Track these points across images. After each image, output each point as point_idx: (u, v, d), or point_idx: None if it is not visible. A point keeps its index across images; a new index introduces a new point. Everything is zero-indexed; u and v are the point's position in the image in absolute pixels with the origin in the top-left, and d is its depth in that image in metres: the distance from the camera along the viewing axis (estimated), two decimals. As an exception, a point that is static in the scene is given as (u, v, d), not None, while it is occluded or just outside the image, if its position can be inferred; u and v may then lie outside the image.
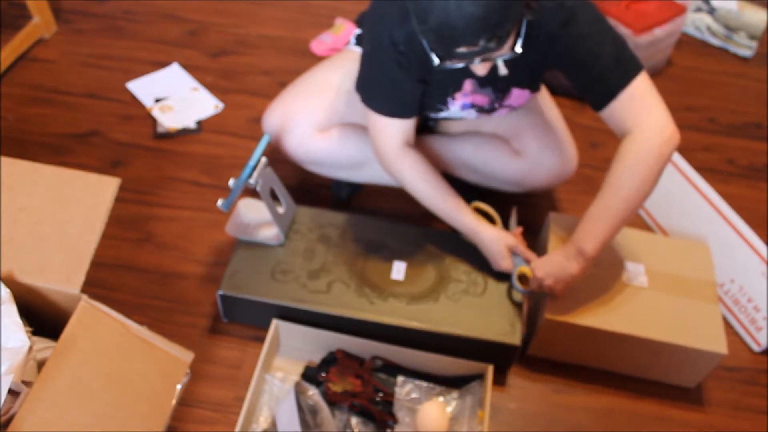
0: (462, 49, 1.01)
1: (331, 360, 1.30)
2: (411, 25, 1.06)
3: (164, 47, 2.02)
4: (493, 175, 1.47)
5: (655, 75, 2.04)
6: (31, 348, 1.00)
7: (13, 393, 0.97)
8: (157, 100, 1.86)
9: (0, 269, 1.08)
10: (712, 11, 2.15)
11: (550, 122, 1.43)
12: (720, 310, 1.32)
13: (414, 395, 1.28)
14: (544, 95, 1.47)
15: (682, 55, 2.14)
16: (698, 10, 2.18)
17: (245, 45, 2.06)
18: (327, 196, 1.65)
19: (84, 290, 1.08)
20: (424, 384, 1.29)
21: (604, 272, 1.35)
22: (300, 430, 1.16)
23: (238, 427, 1.16)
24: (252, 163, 1.29)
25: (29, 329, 1.05)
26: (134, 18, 2.11)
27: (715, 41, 2.19)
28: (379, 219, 1.47)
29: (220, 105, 1.87)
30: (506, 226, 1.41)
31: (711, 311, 1.31)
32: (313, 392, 1.24)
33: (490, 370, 1.25)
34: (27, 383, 0.99)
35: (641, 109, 1.15)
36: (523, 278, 1.31)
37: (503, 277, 1.35)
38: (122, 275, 1.47)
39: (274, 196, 1.36)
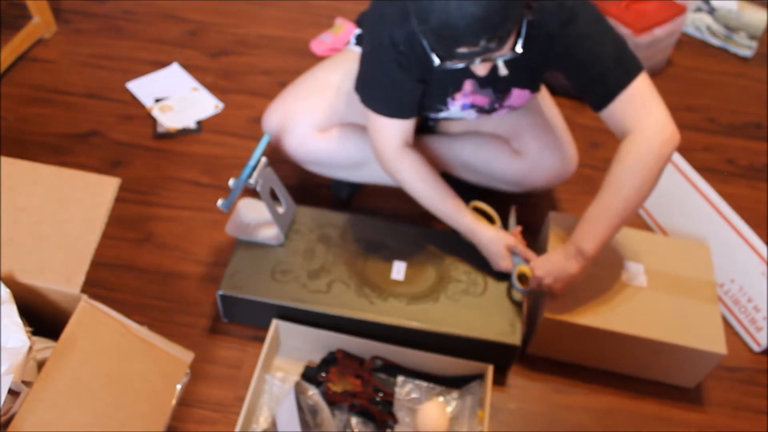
0: (462, 50, 1.01)
1: (331, 360, 1.30)
2: (411, 25, 1.06)
3: (164, 47, 2.02)
4: (492, 175, 1.47)
5: (655, 75, 2.04)
6: (31, 348, 1.00)
7: (13, 393, 0.97)
8: (157, 100, 1.86)
9: (0, 269, 1.08)
10: (712, 11, 2.16)
11: (550, 122, 1.43)
12: (720, 310, 1.32)
13: (414, 395, 1.28)
14: (544, 95, 1.47)
15: (682, 55, 2.15)
16: (698, 10, 2.18)
17: (245, 45, 2.06)
18: (327, 196, 1.65)
19: (84, 290, 1.08)
20: (424, 384, 1.29)
21: (603, 272, 1.35)
22: (300, 430, 1.16)
23: (238, 427, 1.16)
24: (252, 163, 1.29)
25: (29, 329, 1.05)
26: (134, 18, 2.11)
27: (715, 41, 2.19)
28: (379, 219, 1.47)
29: (220, 105, 1.87)
30: (505, 225, 1.41)
31: (711, 311, 1.31)
32: (313, 392, 1.24)
33: (490, 370, 1.25)
34: (27, 383, 0.99)
35: (641, 110, 1.15)
36: (522, 278, 1.31)
37: (503, 276, 1.35)
38: (122, 275, 1.47)
39: (274, 196, 1.36)
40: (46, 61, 1.95)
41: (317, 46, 2.06)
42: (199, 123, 1.81)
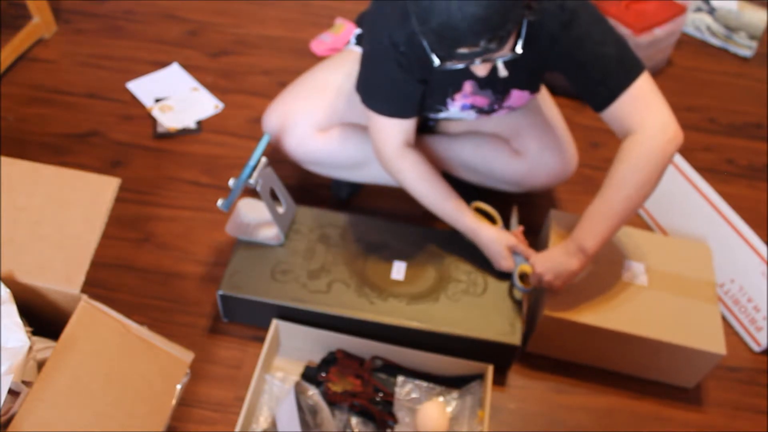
0: (463, 50, 1.01)
1: (331, 360, 1.30)
2: (411, 25, 1.06)
3: (164, 47, 2.02)
4: (492, 175, 1.47)
5: (655, 75, 2.04)
6: (31, 348, 1.00)
7: (13, 393, 0.97)
8: (157, 100, 1.86)
9: (0, 269, 1.08)
10: (712, 11, 2.16)
11: (550, 122, 1.43)
12: (719, 310, 1.32)
13: (414, 395, 1.28)
14: (544, 95, 1.47)
15: (682, 55, 2.15)
16: (698, 10, 2.18)
17: (245, 45, 2.06)
18: (327, 196, 1.65)
19: (84, 290, 1.08)
20: (424, 384, 1.29)
21: (604, 270, 1.35)
22: (300, 430, 1.16)
23: (238, 427, 1.16)
24: (252, 163, 1.29)
25: (29, 329, 1.05)
26: (134, 18, 2.11)
27: (715, 41, 2.19)
28: (379, 219, 1.47)
29: (220, 105, 1.87)
30: (507, 226, 1.41)
31: (710, 311, 1.31)
32: (313, 392, 1.24)
33: (490, 370, 1.25)
34: (27, 383, 0.99)
35: (644, 109, 1.15)
36: (524, 277, 1.31)
37: (505, 276, 1.35)
38: (122, 275, 1.47)
39: (274, 196, 1.36)
40: (46, 61, 1.95)
41: (317, 46, 2.06)
42: (199, 123, 1.81)
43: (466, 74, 1.25)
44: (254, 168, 1.29)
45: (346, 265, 1.37)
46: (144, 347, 1.09)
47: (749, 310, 1.42)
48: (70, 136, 1.75)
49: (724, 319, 1.46)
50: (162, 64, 1.96)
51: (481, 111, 1.36)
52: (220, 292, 1.31)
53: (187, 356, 1.14)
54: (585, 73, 1.17)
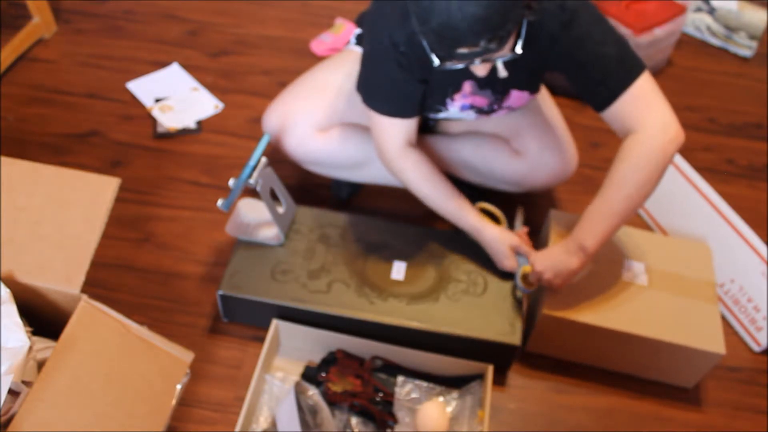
0: (463, 50, 1.00)
1: (331, 360, 1.30)
2: (411, 25, 1.06)
3: (164, 47, 2.02)
4: (493, 175, 1.47)
5: (655, 75, 2.04)
6: (31, 348, 1.00)
7: (13, 393, 0.97)
8: (157, 100, 1.86)
9: (0, 269, 1.08)
10: (712, 11, 2.16)
11: (550, 122, 1.43)
12: (719, 310, 1.32)
13: (414, 395, 1.28)
14: (544, 95, 1.47)
15: (682, 55, 2.15)
16: (698, 10, 2.18)
17: (245, 45, 2.06)
18: (327, 196, 1.65)
19: (84, 290, 1.08)
20: (424, 384, 1.29)
21: (604, 270, 1.35)
22: (300, 430, 1.16)
23: (238, 427, 1.16)
24: (252, 163, 1.29)
25: (29, 329, 1.05)
26: (134, 18, 2.11)
27: (715, 41, 2.19)
28: (379, 219, 1.47)
29: (220, 105, 1.87)
30: (511, 226, 1.41)
31: (710, 311, 1.31)
32: (313, 392, 1.24)
33: (490, 370, 1.25)
34: (27, 383, 0.99)
35: (645, 109, 1.15)
36: (527, 278, 1.31)
37: (507, 276, 1.35)
38: (122, 275, 1.47)
39: (274, 196, 1.36)
40: (46, 61, 1.95)
41: (317, 46, 2.06)
42: (199, 123, 1.81)
43: (466, 74, 1.25)
44: (254, 168, 1.29)
45: (346, 265, 1.37)
46: (144, 347, 1.09)
47: (749, 310, 1.42)
48: (70, 136, 1.75)
49: (724, 319, 1.46)
50: (162, 64, 1.96)
51: (480, 111, 1.36)
52: (220, 292, 1.31)
53: (187, 356, 1.14)
54: (585, 73, 1.17)
